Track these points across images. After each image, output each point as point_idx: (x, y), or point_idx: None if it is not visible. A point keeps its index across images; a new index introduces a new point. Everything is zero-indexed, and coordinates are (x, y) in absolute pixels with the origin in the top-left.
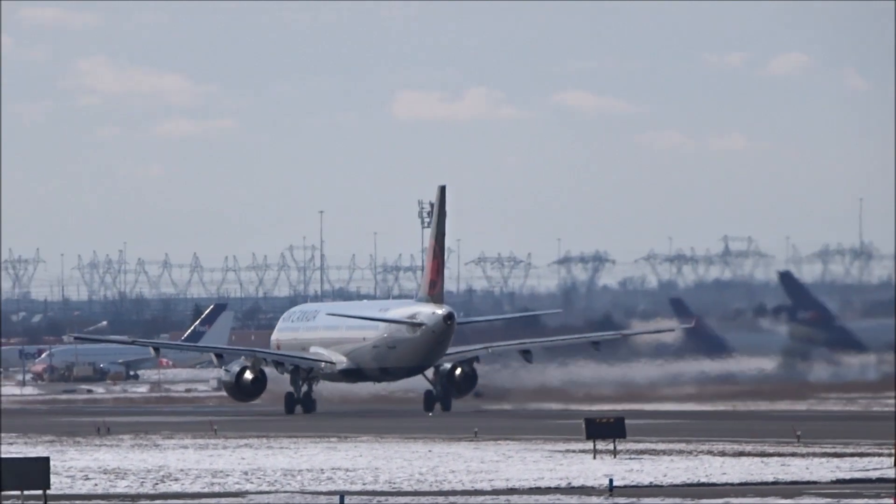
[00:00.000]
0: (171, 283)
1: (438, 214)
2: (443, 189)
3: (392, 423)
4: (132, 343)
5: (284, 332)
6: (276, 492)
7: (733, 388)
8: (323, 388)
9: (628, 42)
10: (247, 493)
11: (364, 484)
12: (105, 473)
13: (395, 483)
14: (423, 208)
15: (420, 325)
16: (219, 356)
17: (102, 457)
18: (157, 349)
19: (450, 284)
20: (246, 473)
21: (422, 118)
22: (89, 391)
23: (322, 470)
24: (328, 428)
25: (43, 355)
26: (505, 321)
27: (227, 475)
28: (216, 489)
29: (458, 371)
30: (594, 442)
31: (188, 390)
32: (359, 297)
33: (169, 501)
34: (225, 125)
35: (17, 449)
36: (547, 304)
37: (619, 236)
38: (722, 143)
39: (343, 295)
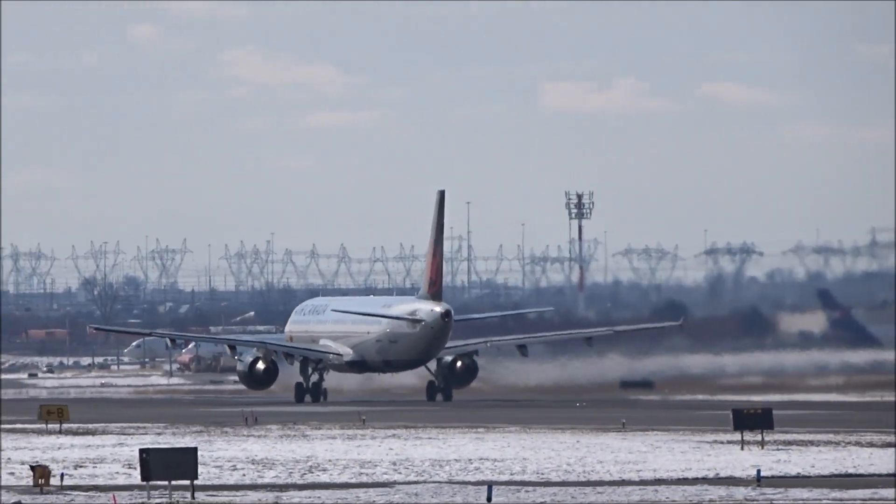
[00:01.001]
0: (319, 274)
1: (438, 218)
2: (442, 193)
3: (539, 414)
4: (149, 335)
5: (297, 325)
6: (424, 482)
7: (881, 378)
8: (343, 378)
9: (776, 34)
10: (395, 483)
11: (512, 474)
12: (253, 464)
13: (543, 473)
14: (569, 199)
15: (419, 321)
16: (232, 347)
17: (250, 447)
18: (173, 340)
19: (597, 276)
20: (394, 464)
21: (569, 109)
22: (236, 381)
23: (470, 460)
24: (476, 418)
25: (189, 345)
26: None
27: (375, 465)
28: (364, 479)
29: (459, 363)
30: (742, 433)
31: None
32: (399, 290)
33: (317, 492)
34: (374, 116)
35: (165, 439)
36: (694, 295)
37: (766, 227)
38: (870, 134)
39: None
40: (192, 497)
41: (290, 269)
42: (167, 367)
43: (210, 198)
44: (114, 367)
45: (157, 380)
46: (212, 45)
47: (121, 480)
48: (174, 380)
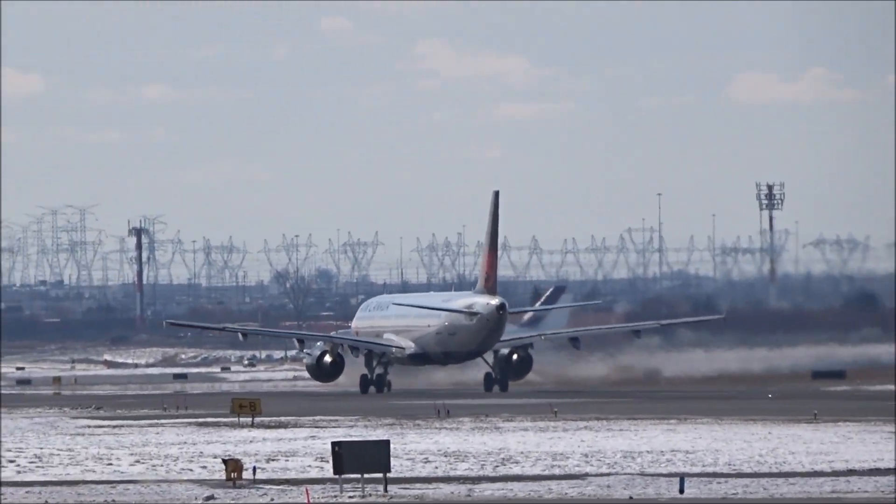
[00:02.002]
0: (511, 266)
1: (493, 217)
2: (496, 194)
3: (731, 406)
4: (223, 329)
5: (362, 321)
6: (616, 474)
7: None
8: (415, 371)
9: None
10: (587, 475)
11: (704, 466)
12: (445, 456)
13: (734, 465)
14: (760, 190)
15: (476, 314)
16: (300, 341)
17: (442, 440)
18: (244, 334)
19: (788, 266)
20: (586, 455)
21: (759, 100)
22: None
23: (662, 452)
24: (668, 410)
25: None
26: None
27: (567, 457)
28: (556, 471)
29: (515, 356)
30: None
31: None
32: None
33: (509, 484)
34: (563, 107)
35: (358, 432)
36: (885, 285)
37: None
38: None
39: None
40: (385, 490)
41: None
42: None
43: (401, 190)
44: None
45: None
46: (403, 37)
47: (313, 474)
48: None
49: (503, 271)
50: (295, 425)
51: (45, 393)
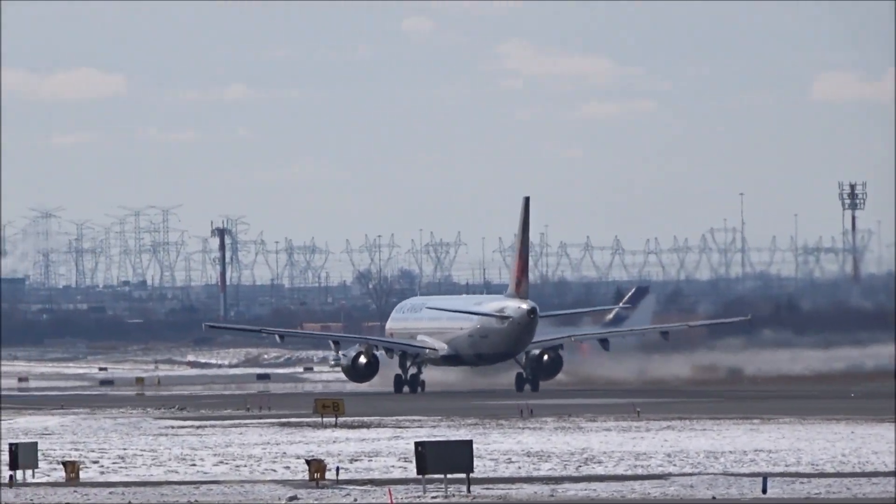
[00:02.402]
0: (593, 266)
1: (523, 223)
2: (527, 200)
3: (814, 405)
4: (260, 332)
5: (397, 323)
6: (699, 474)
7: None
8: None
9: None
10: (669, 475)
11: (786, 466)
12: (528, 456)
13: (817, 464)
14: (842, 189)
15: (507, 317)
16: (336, 343)
17: (525, 440)
18: (282, 336)
19: (871, 267)
20: (668, 455)
21: (841, 99)
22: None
23: (745, 452)
24: (751, 409)
25: None
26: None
27: (650, 457)
28: (639, 471)
29: (546, 357)
30: None
31: (610, 373)
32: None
33: (592, 484)
34: (647, 107)
35: (441, 432)
36: None
37: None
38: None
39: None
40: (468, 490)
41: (563, 262)
42: None
43: (483, 190)
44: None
45: (432, 374)
46: (484, 37)
47: (396, 474)
48: (448, 373)
49: (586, 272)
50: (378, 425)
51: (128, 393)
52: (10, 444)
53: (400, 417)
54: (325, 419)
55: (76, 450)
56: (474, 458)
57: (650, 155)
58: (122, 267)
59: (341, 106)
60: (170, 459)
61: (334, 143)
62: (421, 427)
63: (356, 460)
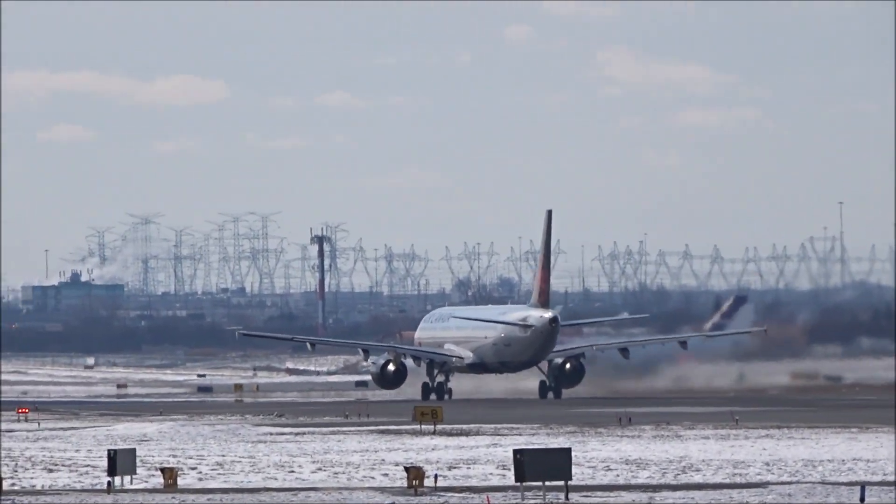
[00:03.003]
0: (692, 275)
1: (546, 235)
2: (549, 213)
3: None
4: (292, 340)
5: (425, 332)
6: (797, 482)
7: None
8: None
9: None
10: (767, 483)
11: (885, 475)
12: (626, 464)
13: None
14: None
15: (530, 326)
16: (365, 351)
17: (624, 447)
18: (313, 344)
19: None
20: (767, 464)
21: None
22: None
23: (843, 461)
24: (849, 418)
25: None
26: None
27: (748, 466)
28: (737, 480)
29: (568, 365)
30: None
31: (709, 381)
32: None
33: (690, 493)
34: (746, 115)
35: (539, 440)
36: None
37: None
38: None
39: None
40: (566, 498)
41: (662, 270)
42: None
43: (583, 197)
44: None
45: (528, 382)
46: (585, 45)
47: (494, 481)
48: (472, 381)
49: (686, 280)
50: (477, 433)
51: (227, 400)
52: (109, 451)
53: (499, 425)
54: (423, 426)
55: (174, 456)
56: (573, 466)
57: (749, 163)
58: (221, 274)
59: (442, 113)
60: (268, 466)
61: (435, 150)
62: (520, 435)
63: (454, 467)
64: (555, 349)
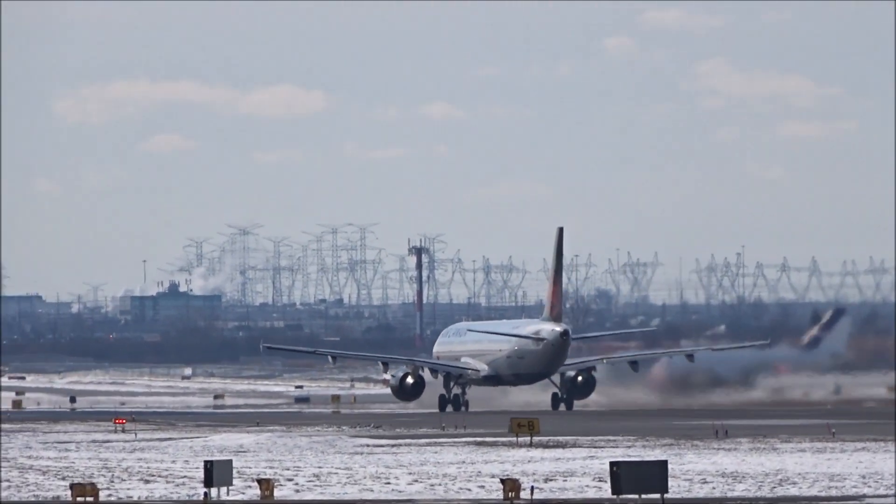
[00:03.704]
0: (790, 287)
1: (557, 251)
2: (560, 230)
3: None
4: (314, 353)
5: (443, 346)
6: (893, 496)
7: None
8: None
9: None
10: (864, 496)
11: None
12: (723, 477)
13: None
14: None
15: (542, 339)
16: (385, 364)
17: (720, 460)
18: (334, 357)
19: None
20: (863, 477)
21: None
22: (707, 395)
23: None
24: None
25: (661, 360)
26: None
27: (844, 479)
28: (833, 493)
29: (580, 378)
30: None
31: (806, 394)
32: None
33: None
34: (847, 127)
35: (636, 452)
36: None
37: None
38: None
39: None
40: None
41: (760, 283)
42: (638, 379)
43: (681, 209)
44: None
45: (625, 394)
46: (685, 56)
47: (591, 494)
48: (645, 392)
49: (783, 293)
50: (573, 445)
51: (324, 411)
52: (206, 462)
53: (595, 437)
54: (520, 438)
55: (271, 468)
56: (669, 478)
57: (848, 175)
58: (318, 285)
59: (541, 124)
60: (365, 478)
61: (533, 161)
62: (616, 447)
63: (551, 480)
64: (567, 362)
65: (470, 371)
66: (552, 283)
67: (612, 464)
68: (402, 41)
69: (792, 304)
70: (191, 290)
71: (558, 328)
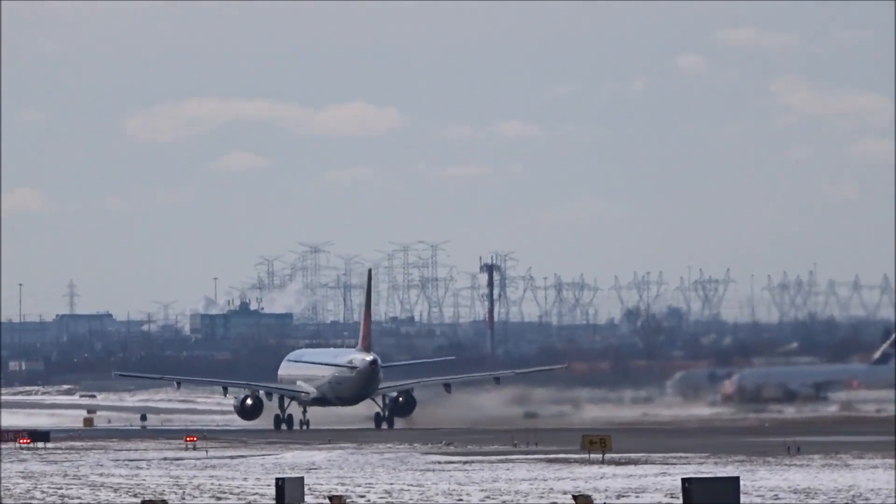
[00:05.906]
0: (861, 305)
1: (367, 293)
2: (370, 271)
3: None
4: (161, 379)
5: (284, 370)
6: None
7: None
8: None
9: None
10: None
11: None
12: (795, 493)
13: None
14: None
15: (355, 367)
16: (225, 388)
17: (792, 476)
18: (179, 383)
19: None
20: None
21: None
22: (779, 412)
23: None
24: None
25: (733, 377)
26: None
27: None
28: None
29: (401, 398)
30: None
31: (878, 410)
32: None
33: None
34: None
35: (708, 469)
36: None
37: None
38: None
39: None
40: None
41: (832, 301)
42: (710, 397)
43: (753, 226)
44: (655, 399)
45: (698, 409)
46: (759, 74)
47: None
48: (717, 410)
49: (854, 311)
50: (645, 462)
51: (396, 429)
52: (277, 479)
53: (667, 454)
54: (591, 455)
55: (342, 484)
56: (741, 495)
57: None
58: (390, 302)
59: (613, 142)
60: (437, 494)
61: (605, 179)
62: (688, 464)
63: (623, 496)
64: (384, 385)
65: (302, 394)
66: (364, 318)
67: (684, 480)
68: (476, 59)
69: (863, 321)
70: (262, 308)
71: (368, 357)
